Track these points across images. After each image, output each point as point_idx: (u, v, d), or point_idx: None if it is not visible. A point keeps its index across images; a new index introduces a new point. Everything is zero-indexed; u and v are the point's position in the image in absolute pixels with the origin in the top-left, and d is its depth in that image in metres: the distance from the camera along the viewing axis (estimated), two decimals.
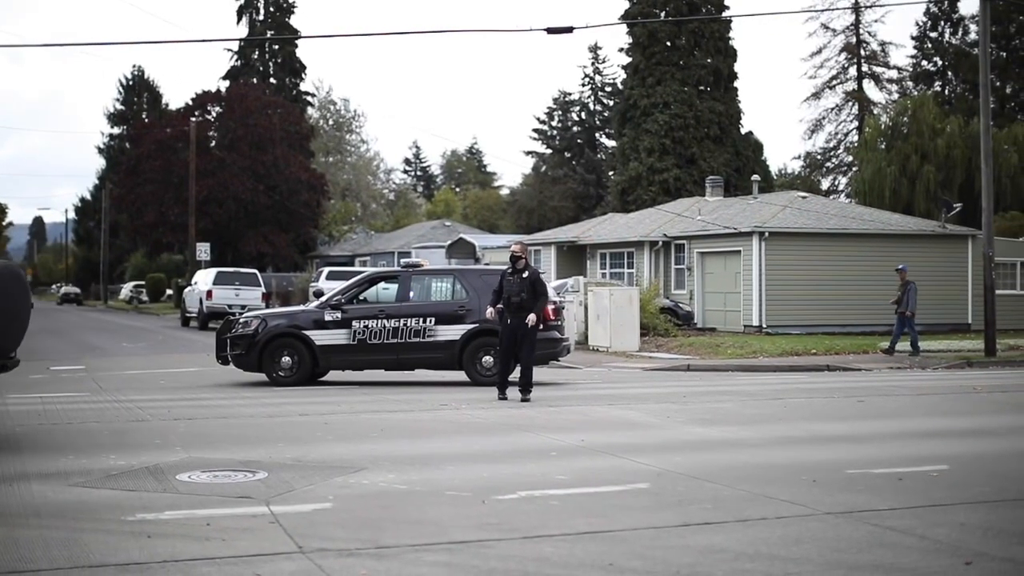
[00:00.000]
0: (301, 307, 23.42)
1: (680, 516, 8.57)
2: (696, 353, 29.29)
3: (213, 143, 69.42)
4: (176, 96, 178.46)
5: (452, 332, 20.02)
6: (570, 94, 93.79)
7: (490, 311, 17.58)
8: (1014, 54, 69.07)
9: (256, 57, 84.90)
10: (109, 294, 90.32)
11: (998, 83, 66.18)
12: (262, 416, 15.00)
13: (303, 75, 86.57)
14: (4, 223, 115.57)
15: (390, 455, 11.30)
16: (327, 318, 20.02)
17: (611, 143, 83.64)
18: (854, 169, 68.36)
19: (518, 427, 13.82)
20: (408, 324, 19.98)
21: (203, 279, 44.81)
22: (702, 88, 64.44)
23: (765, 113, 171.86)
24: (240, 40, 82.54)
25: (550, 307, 19.22)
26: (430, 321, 20.03)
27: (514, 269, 17.37)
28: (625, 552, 7.46)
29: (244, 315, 21.72)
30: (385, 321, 19.98)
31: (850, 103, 75.94)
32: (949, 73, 73.21)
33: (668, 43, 64.60)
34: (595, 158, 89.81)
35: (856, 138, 71.63)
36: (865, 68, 76.14)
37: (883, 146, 58.43)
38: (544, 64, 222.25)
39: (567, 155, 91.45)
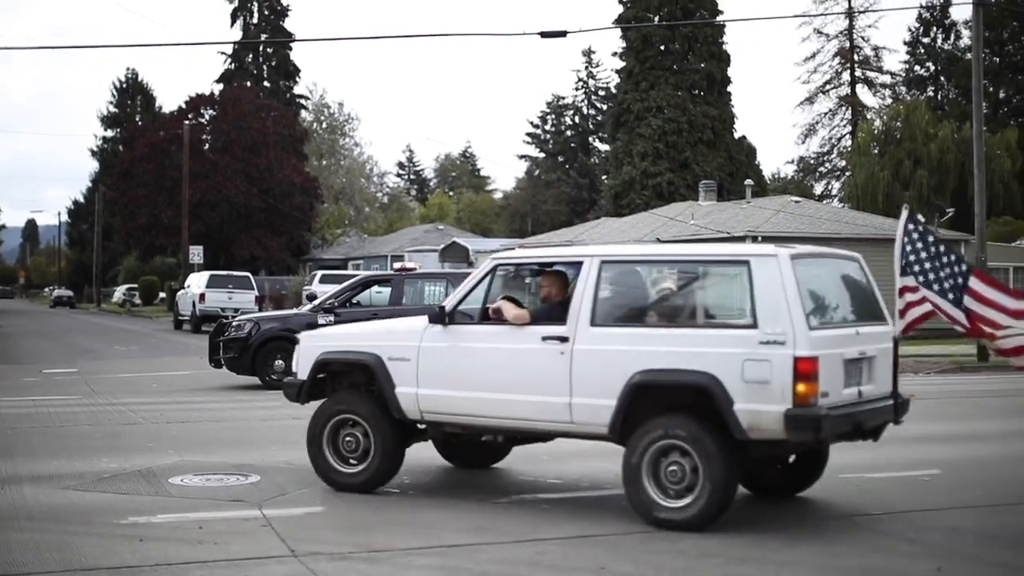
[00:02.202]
0: (294, 310, 23.37)
1: None
2: None
3: (206, 146, 69.23)
4: (170, 99, 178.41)
5: None
6: (564, 98, 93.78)
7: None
8: (1007, 59, 69.30)
9: (250, 60, 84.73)
10: (102, 297, 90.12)
11: (991, 88, 66.30)
12: (255, 419, 15.00)
13: (297, 78, 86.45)
14: None
15: None
16: (320, 321, 19.96)
17: (604, 147, 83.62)
18: (847, 174, 68.48)
19: None
20: None
21: (196, 282, 44.73)
22: (696, 92, 64.49)
23: (759, 118, 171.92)
24: (234, 43, 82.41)
25: None
26: None
27: None
28: (617, 556, 7.47)
29: (237, 318, 21.68)
30: None
31: (843, 108, 76.10)
32: (942, 78, 73.43)
33: (662, 47, 64.64)
34: (588, 162, 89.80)
35: (849, 143, 71.78)
36: (858, 73, 76.33)
37: (876, 151, 58.54)
38: (538, 68, 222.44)
39: (560, 159, 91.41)
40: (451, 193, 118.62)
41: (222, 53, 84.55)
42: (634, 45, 65.02)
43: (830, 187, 77.49)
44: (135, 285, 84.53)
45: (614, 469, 10.89)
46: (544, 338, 8.77)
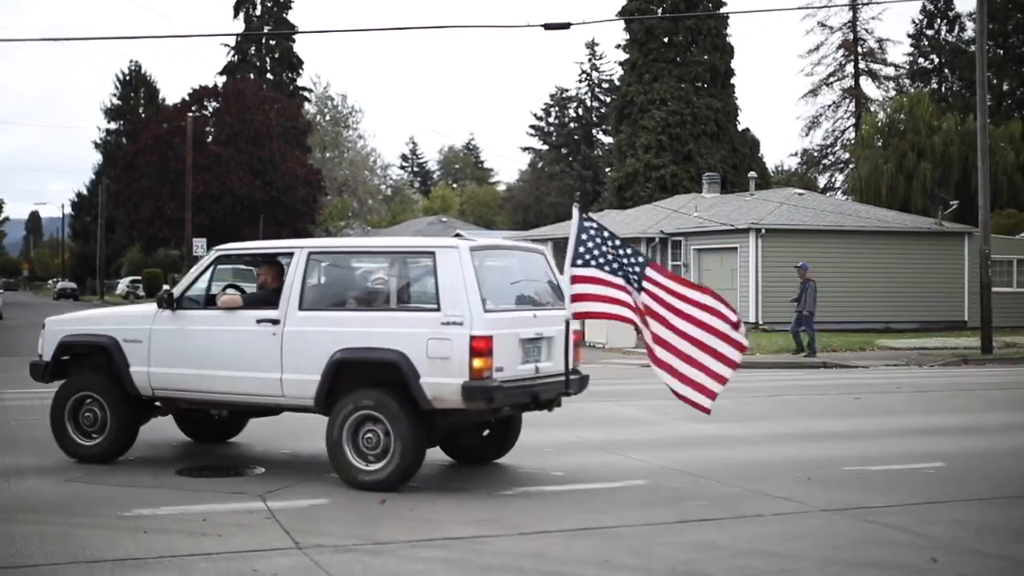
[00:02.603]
0: None
1: (676, 513, 8.59)
2: None
3: (210, 138, 69.21)
4: (173, 91, 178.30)
5: None
6: (567, 90, 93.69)
7: None
8: (1011, 51, 69.08)
9: (253, 52, 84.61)
10: (106, 289, 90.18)
11: (995, 80, 66.16)
12: None
13: (300, 70, 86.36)
14: (0, 218, 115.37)
15: None
16: None
17: (608, 139, 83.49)
18: (851, 166, 68.38)
19: None
20: None
21: None
22: (699, 85, 64.39)
23: (762, 110, 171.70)
24: (237, 35, 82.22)
25: None
26: None
27: None
28: (621, 548, 7.47)
29: None
30: None
31: (847, 100, 75.92)
32: (945, 70, 73.28)
33: (665, 40, 64.53)
34: (592, 154, 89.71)
35: (853, 135, 71.62)
36: (862, 65, 76.14)
37: (880, 143, 58.43)
38: (541, 60, 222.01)
39: (564, 151, 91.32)
40: (454, 185, 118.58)
41: (225, 45, 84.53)
42: (637, 37, 64.91)
43: (834, 180, 77.39)
44: (139, 277, 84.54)
45: (618, 462, 10.92)
46: (259, 321, 9.79)
